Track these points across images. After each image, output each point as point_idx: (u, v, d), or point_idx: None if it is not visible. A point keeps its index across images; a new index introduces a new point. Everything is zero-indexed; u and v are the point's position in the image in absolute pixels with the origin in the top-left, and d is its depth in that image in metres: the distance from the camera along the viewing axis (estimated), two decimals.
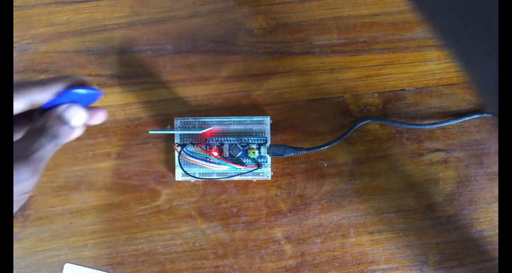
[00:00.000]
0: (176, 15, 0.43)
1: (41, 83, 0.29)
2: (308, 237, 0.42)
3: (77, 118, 0.31)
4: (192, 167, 0.41)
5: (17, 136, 0.30)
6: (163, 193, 0.42)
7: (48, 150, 0.28)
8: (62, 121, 0.30)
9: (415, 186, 0.42)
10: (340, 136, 0.41)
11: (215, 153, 0.41)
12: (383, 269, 0.42)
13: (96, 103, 0.32)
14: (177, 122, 0.41)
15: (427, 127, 0.42)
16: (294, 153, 0.41)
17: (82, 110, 0.31)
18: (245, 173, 0.41)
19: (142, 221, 0.42)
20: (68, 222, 0.42)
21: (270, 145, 0.41)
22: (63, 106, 0.30)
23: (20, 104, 0.28)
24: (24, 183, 0.26)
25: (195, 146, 0.41)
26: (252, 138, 0.41)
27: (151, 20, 0.43)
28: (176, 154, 0.41)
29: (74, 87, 0.30)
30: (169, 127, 0.42)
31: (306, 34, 0.43)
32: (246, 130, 0.41)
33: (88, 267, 0.40)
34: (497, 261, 0.42)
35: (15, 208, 0.27)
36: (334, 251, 0.42)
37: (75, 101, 0.30)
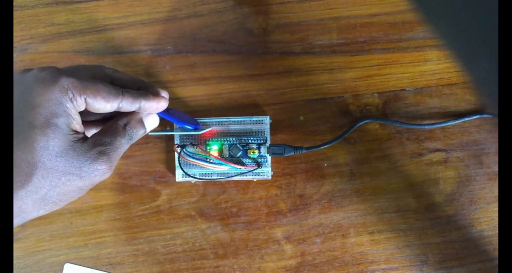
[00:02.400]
0: (176, 15, 0.43)
1: (145, 96, 0.31)
2: (308, 237, 0.42)
3: (153, 126, 0.34)
4: (192, 167, 0.41)
5: (91, 130, 0.32)
6: (163, 193, 0.42)
7: (124, 150, 0.30)
8: (142, 126, 0.32)
9: (415, 186, 0.42)
10: (340, 136, 0.41)
11: (215, 153, 0.41)
12: (383, 269, 0.42)
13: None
14: None
15: (427, 127, 0.42)
16: (294, 153, 0.41)
17: (158, 119, 0.34)
18: (245, 173, 0.41)
19: (142, 221, 0.42)
20: (68, 222, 0.42)
21: (270, 144, 0.41)
22: (145, 113, 0.32)
23: (113, 107, 0.29)
24: (99, 178, 0.28)
25: (195, 146, 0.41)
26: (252, 138, 0.41)
27: (151, 20, 0.43)
28: (176, 155, 0.41)
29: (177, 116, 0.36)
30: (168, 128, 0.42)
31: (306, 34, 0.43)
32: (246, 130, 0.41)
33: (88, 267, 0.40)
34: (497, 261, 0.42)
35: (81, 194, 0.29)
36: (334, 251, 0.42)
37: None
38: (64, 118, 0.27)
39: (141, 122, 0.32)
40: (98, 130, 0.32)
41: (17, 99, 0.27)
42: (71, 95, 0.27)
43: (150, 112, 0.33)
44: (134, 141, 0.31)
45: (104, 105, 0.29)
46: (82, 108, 0.28)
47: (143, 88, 0.33)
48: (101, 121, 0.33)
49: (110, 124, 0.30)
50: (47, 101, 0.26)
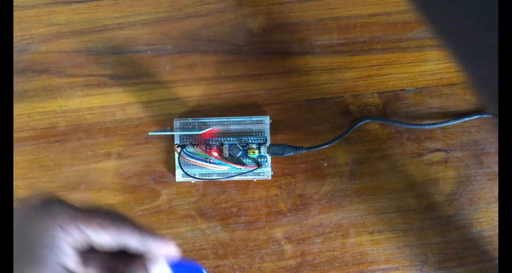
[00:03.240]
0: (176, 15, 0.43)
1: (152, 235, 0.26)
2: (308, 237, 0.42)
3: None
4: (192, 167, 0.41)
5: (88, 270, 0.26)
6: (163, 193, 0.42)
7: None
8: None
9: (415, 186, 0.42)
10: (340, 135, 0.41)
11: (215, 154, 0.41)
12: (383, 269, 0.42)
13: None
14: (177, 123, 0.41)
15: (427, 127, 0.42)
16: (294, 153, 0.41)
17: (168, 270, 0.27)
18: (245, 173, 0.41)
19: (142, 221, 0.42)
20: None
21: (270, 144, 0.41)
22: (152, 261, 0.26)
23: (116, 240, 0.25)
24: None
25: (195, 146, 0.41)
26: (252, 138, 0.41)
27: (151, 20, 0.43)
28: (176, 155, 0.41)
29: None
30: (168, 128, 0.42)
31: (306, 34, 0.43)
32: (246, 130, 0.41)
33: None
34: (497, 261, 0.42)
35: None
36: (334, 251, 0.42)
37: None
38: (53, 253, 0.23)
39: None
40: None
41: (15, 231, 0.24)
42: (62, 224, 0.23)
43: (159, 255, 0.27)
44: None
45: (106, 237, 0.24)
46: (80, 243, 0.24)
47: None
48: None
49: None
50: (36, 231, 0.23)
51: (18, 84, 0.42)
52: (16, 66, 0.43)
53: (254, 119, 0.41)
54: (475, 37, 0.19)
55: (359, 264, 0.42)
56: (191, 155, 0.40)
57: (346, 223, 0.42)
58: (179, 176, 0.42)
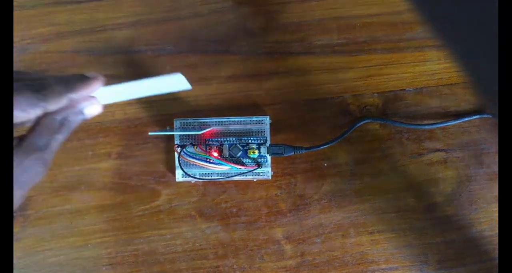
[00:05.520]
0: (176, 15, 0.43)
1: (72, 87, 0.27)
2: (308, 237, 0.42)
3: (95, 111, 0.29)
4: (192, 167, 0.41)
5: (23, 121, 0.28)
6: (163, 193, 0.42)
7: (61, 143, 0.28)
8: (81, 114, 0.28)
9: (415, 186, 0.42)
10: (340, 135, 0.41)
11: (215, 154, 0.41)
12: (383, 269, 0.42)
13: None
14: (177, 123, 0.41)
15: (427, 127, 0.42)
16: (294, 152, 0.41)
17: (99, 104, 0.30)
18: (245, 173, 0.41)
19: (142, 221, 0.42)
20: (68, 222, 0.42)
21: (270, 144, 0.41)
22: (86, 102, 0.29)
23: (37, 113, 0.26)
24: (35, 182, 0.26)
25: (195, 146, 0.41)
26: (251, 138, 0.41)
27: (151, 20, 0.43)
28: (176, 155, 0.41)
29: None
30: (168, 128, 0.42)
31: (306, 34, 0.43)
32: (246, 130, 0.41)
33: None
34: (497, 261, 0.42)
35: (20, 202, 0.27)
36: (334, 251, 0.42)
37: None
38: None
39: (80, 112, 0.28)
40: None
41: None
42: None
43: (86, 98, 0.29)
44: (72, 131, 0.28)
45: (25, 116, 0.26)
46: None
47: (71, 81, 0.28)
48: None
49: (45, 121, 0.27)
50: None
51: None
52: (16, 66, 0.43)
53: (254, 119, 0.41)
54: (475, 37, 0.19)
55: (359, 264, 0.42)
56: (191, 155, 0.40)
57: (346, 223, 0.42)
58: (179, 176, 0.42)
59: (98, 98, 0.30)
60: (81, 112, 0.28)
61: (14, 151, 0.26)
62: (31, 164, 0.26)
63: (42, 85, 0.26)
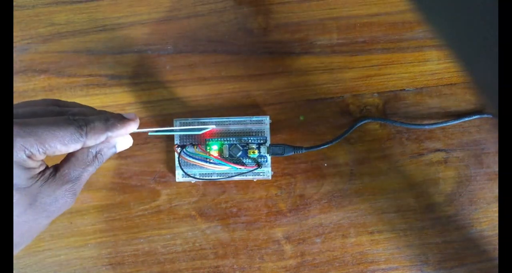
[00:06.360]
0: (176, 15, 0.43)
1: (111, 127, 0.29)
2: (308, 237, 0.42)
3: (126, 146, 0.31)
4: (192, 167, 0.41)
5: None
6: (163, 193, 0.42)
7: (91, 174, 0.29)
8: (113, 148, 0.30)
9: (415, 186, 0.42)
10: (340, 136, 0.41)
11: (215, 154, 0.41)
12: (383, 269, 0.42)
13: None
14: (177, 123, 0.41)
15: (427, 127, 0.42)
16: (294, 152, 0.41)
17: (131, 139, 0.31)
18: (245, 173, 0.41)
19: (142, 221, 0.42)
20: (68, 222, 0.42)
21: (270, 144, 0.41)
22: (120, 138, 0.30)
23: (76, 148, 0.27)
24: (63, 211, 0.28)
25: (195, 146, 0.41)
26: (251, 138, 0.41)
27: (151, 20, 0.43)
28: (176, 155, 0.41)
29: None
30: (168, 128, 0.42)
31: (306, 34, 0.43)
32: (246, 130, 0.41)
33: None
34: (497, 261, 0.42)
35: (43, 229, 0.28)
36: (334, 251, 0.42)
37: None
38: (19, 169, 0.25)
39: (113, 147, 0.30)
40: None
41: None
42: (29, 153, 0.25)
43: (121, 136, 0.30)
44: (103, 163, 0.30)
45: (65, 149, 0.26)
46: (43, 157, 0.26)
47: (111, 120, 0.29)
48: None
49: (79, 154, 0.28)
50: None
51: (18, 84, 0.42)
52: (16, 66, 0.43)
53: (254, 119, 0.41)
54: (475, 37, 0.19)
55: (359, 264, 0.42)
56: (191, 155, 0.40)
57: (346, 223, 0.42)
58: (179, 176, 0.42)
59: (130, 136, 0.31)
60: (114, 147, 0.30)
61: (49, 182, 0.27)
62: (62, 195, 0.27)
63: (85, 122, 0.27)
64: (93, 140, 0.27)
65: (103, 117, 0.29)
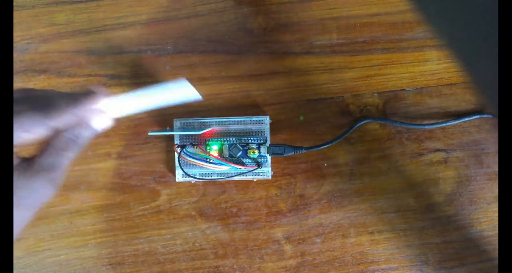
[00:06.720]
0: (176, 15, 0.43)
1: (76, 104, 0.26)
2: (308, 237, 0.42)
3: (104, 124, 0.29)
4: (192, 167, 0.41)
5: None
6: (163, 193, 0.42)
7: (71, 160, 0.27)
8: (91, 129, 0.28)
9: (415, 186, 0.42)
10: (340, 136, 0.41)
11: (215, 154, 0.41)
12: (383, 269, 0.42)
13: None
14: (177, 123, 0.41)
15: (427, 127, 0.42)
16: (294, 152, 0.41)
17: (108, 117, 0.29)
18: (245, 173, 0.41)
19: (142, 221, 0.42)
20: (68, 222, 0.42)
21: (270, 144, 0.41)
22: (94, 116, 0.28)
23: (43, 134, 0.26)
24: (45, 200, 0.26)
25: (195, 146, 0.41)
26: (251, 138, 0.41)
27: (151, 20, 0.43)
28: (176, 155, 0.41)
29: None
30: (168, 128, 0.42)
31: (306, 34, 0.43)
32: (246, 130, 0.41)
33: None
34: (497, 261, 0.42)
35: (27, 223, 0.27)
36: (334, 251, 0.42)
37: None
38: None
39: (89, 127, 0.27)
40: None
41: None
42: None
43: (94, 112, 0.28)
44: (83, 147, 0.27)
45: (30, 136, 0.25)
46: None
47: (73, 95, 0.27)
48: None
49: (55, 140, 0.26)
50: None
51: (18, 84, 0.42)
52: (16, 66, 0.43)
53: (254, 119, 0.41)
54: (475, 37, 0.19)
55: (359, 264, 0.42)
56: (191, 155, 0.40)
57: (346, 223, 0.42)
58: (179, 176, 0.42)
59: (106, 112, 0.29)
60: (90, 127, 0.27)
61: (23, 173, 0.25)
62: (40, 185, 0.25)
63: (44, 103, 0.25)
64: (58, 121, 0.25)
65: (64, 94, 0.26)
